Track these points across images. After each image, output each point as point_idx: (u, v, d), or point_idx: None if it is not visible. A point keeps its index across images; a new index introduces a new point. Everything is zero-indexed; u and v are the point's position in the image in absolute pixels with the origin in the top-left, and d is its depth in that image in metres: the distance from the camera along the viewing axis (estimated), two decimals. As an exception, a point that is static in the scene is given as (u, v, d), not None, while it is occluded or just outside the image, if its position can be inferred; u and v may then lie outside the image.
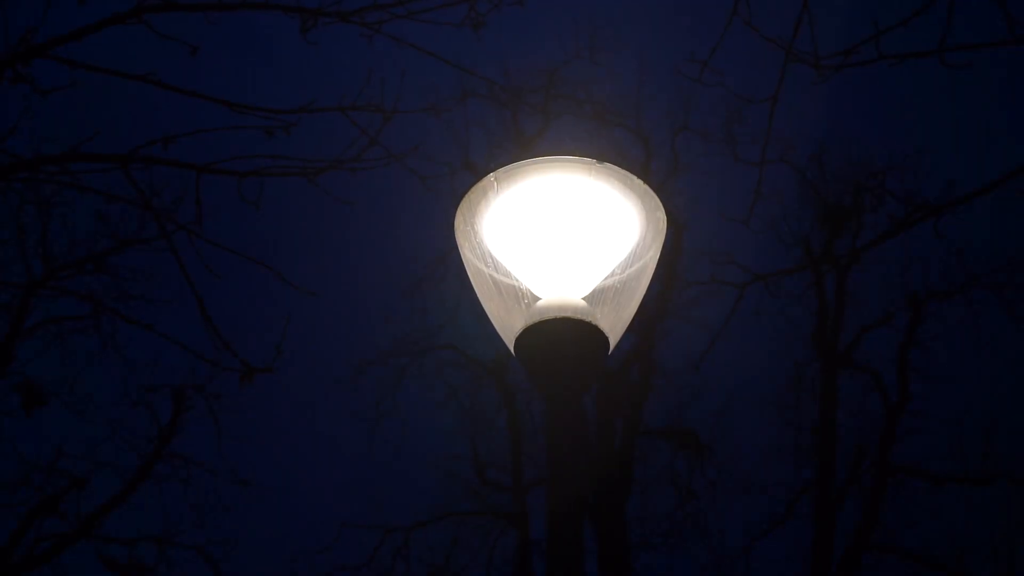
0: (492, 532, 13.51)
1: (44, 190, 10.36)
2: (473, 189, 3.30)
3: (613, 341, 3.19)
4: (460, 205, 3.32)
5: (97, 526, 11.07)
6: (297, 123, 4.96)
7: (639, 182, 3.30)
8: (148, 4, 4.89)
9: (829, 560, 11.97)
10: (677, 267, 13.42)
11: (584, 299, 3.21)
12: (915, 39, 4.41)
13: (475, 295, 3.40)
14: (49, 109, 5.43)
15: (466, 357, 13.91)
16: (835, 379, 12.93)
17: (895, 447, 12.73)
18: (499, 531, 13.48)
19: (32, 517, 10.73)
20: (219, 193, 5.11)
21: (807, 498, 12.74)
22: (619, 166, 3.27)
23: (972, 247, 12.70)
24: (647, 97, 13.77)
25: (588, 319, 3.10)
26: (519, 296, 3.26)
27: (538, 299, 3.21)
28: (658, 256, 3.39)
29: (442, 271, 13.40)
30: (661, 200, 3.33)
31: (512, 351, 3.16)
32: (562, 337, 3.06)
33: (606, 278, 3.30)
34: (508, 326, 3.21)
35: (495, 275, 3.32)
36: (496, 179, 3.27)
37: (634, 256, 3.33)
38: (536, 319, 3.11)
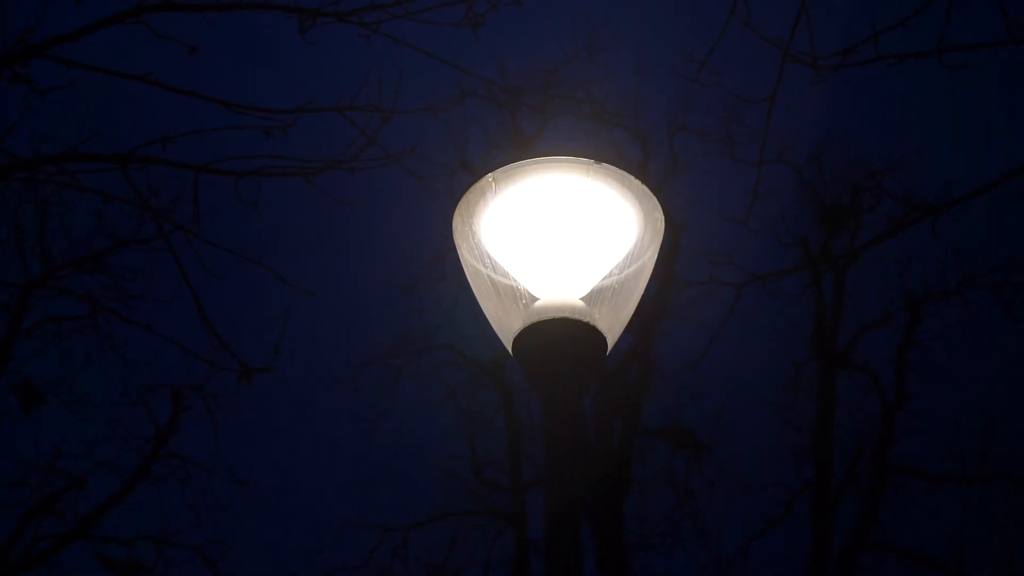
0: (490, 532, 13.51)
1: (42, 190, 10.34)
2: (471, 190, 3.30)
3: (611, 341, 3.19)
4: (458, 206, 3.32)
5: (95, 526, 11.06)
6: (295, 123, 4.96)
7: (637, 182, 3.30)
8: (147, 4, 4.89)
9: (827, 560, 11.97)
10: (675, 267, 13.42)
11: (582, 299, 3.21)
12: (913, 39, 4.42)
13: (473, 295, 3.40)
14: (48, 109, 5.44)
15: (464, 357, 13.91)
16: (833, 379, 12.93)
17: (893, 447, 12.73)
18: (497, 531, 13.48)
19: (30, 517, 10.72)
20: (217, 193, 5.12)
21: (805, 498, 12.74)
22: (617, 166, 3.28)
23: (970, 247, 12.73)
24: (645, 97, 13.77)
25: (586, 319, 3.10)
26: (517, 296, 3.26)
27: (536, 299, 3.21)
28: (656, 256, 3.39)
29: (440, 271, 13.41)
30: (659, 200, 3.33)
31: (510, 351, 3.16)
32: (560, 337, 3.07)
33: (604, 278, 3.30)
34: (506, 326, 3.21)
35: (493, 275, 3.32)
36: (494, 179, 3.27)
37: (632, 256, 3.33)
38: (534, 319, 3.11)
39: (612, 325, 3.23)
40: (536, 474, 13.10)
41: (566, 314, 3.10)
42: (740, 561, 13.02)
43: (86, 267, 10.83)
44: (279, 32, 5.22)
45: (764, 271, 12.93)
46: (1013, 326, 12.70)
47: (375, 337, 14.41)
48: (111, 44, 5.12)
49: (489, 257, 3.32)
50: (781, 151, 12.85)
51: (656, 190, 3.37)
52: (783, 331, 13.42)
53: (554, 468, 2.96)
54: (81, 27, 4.89)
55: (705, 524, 13.26)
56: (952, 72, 4.31)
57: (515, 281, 3.28)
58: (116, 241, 10.64)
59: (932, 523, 12.79)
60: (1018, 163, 5.18)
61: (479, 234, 3.31)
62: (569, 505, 2.91)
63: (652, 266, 3.39)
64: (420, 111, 5.56)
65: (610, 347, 3.18)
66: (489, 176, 3.28)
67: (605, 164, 3.26)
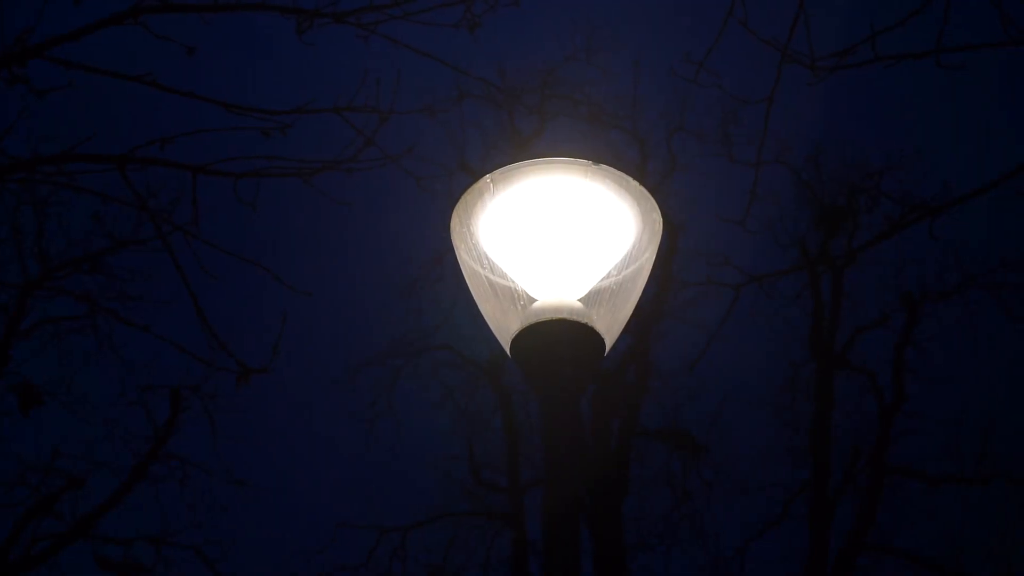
0: (488, 533, 13.51)
1: (40, 190, 10.36)
2: (469, 191, 3.30)
3: (609, 342, 3.19)
4: (456, 207, 3.32)
5: (94, 526, 11.07)
6: (293, 124, 4.96)
7: (635, 183, 3.30)
8: (145, 5, 4.89)
9: (825, 561, 11.97)
10: (673, 268, 13.42)
11: (580, 300, 3.21)
12: (911, 40, 4.42)
13: (471, 296, 3.40)
14: (46, 110, 5.44)
15: (462, 358, 13.92)
16: (831, 380, 12.93)
17: (891, 448, 12.74)
18: (495, 532, 13.48)
19: (29, 517, 10.73)
20: (215, 194, 5.12)
21: (803, 499, 12.74)
22: (615, 167, 3.28)
23: (968, 248, 12.74)
24: (643, 98, 13.78)
25: (584, 320, 3.11)
26: (515, 297, 3.26)
27: (534, 300, 3.21)
28: (654, 257, 3.39)
29: (438, 272, 13.41)
30: (657, 201, 3.34)
31: (508, 352, 3.17)
32: (558, 338, 3.07)
33: (602, 279, 3.30)
34: (504, 327, 3.21)
35: (491, 276, 3.32)
36: (492, 181, 3.27)
37: (630, 257, 3.33)
38: (532, 320, 3.11)
39: (610, 326, 3.23)
40: (534, 475, 13.11)
41: (564, 315, 3.10)
42: (738, 562, 13.04)
43: (84, 268, 10.85)
44: (277, 33, 5.23)
45: (762, 272, 12.97)
46: (1011, 326, 12.73)
47: (373, 338, 14.43)
48: (109, 45, 5.12)
49: (487, 258, 3.32)
50: (779, 152, 12.87)
51: (654, 191, 3.37)
52: (781, 332, 13.44)
53: (552, 469, 2.96)
54: (79, 27, 4.89)
55: (703, 525, 13.28)
56: (950, 73, 4.32)
57: (513, 282, 3.28)
58: (114, 242, 10.66)
59: (930, 524, 12.82)
60: (1016, 163, 5.18)
61: (477, 235, 3.31)
62: (567, 506, 2.91)
63: (650, 267, 3.39)
64: (418, 112, 5.56)
65: (608, 348, 3.18)
66: (487, 177, 3.28)
67: (603, 165, 3.26)
